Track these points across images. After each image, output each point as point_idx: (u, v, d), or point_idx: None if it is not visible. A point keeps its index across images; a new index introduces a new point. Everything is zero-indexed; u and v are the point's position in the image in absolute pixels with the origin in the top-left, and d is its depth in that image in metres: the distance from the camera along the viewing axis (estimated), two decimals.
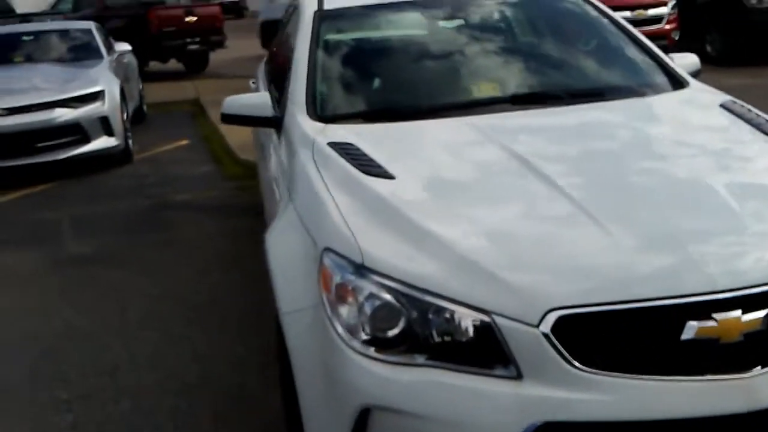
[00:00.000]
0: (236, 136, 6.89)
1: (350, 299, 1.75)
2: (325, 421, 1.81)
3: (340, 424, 1.74)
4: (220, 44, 12.98)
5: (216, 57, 13.46)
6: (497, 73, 2.86)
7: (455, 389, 1.60)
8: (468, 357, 1.62)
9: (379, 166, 2.14)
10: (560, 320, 1.55)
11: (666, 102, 2.65)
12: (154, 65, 12.32)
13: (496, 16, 3.19)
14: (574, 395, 1.53)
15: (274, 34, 14.19)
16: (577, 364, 1.54)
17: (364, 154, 2.23)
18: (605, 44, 3.02)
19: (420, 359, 1.66)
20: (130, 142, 6.88)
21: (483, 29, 3.12)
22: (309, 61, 2.88)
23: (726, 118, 2.46)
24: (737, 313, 1.55)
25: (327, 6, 3.19)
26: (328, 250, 1.85)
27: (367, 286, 1.73)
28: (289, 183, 2.39)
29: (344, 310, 1.75)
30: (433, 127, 2.47)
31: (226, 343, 3.15)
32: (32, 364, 3.12)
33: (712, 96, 2.67)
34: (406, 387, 1.64)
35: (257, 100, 2.91)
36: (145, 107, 9.03)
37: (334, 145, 2.33)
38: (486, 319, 1.60)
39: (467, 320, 1.62)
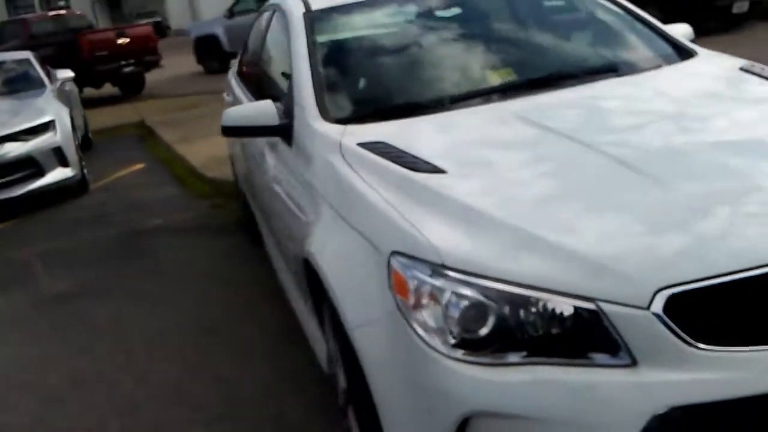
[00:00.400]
0: (198, 156, 6.68)
1: (432, 302, 1.65)
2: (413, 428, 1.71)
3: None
4: (155, 64, 12.66)
5: (151, 77, 13.10)
6: (508, 58, 2.79)
7: (567, 384, 1.52)
8: (572, 349, 1.54)
9: (426, 162, 2.05)
10: (671, 299, 1.49)
11: (687, 69, 2.65)
12: (87, 92, 11.89)
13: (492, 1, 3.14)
14: (697, 375, 1.47)
15: (209, 49, 14.13)
16: (694, 342, 1.47)
17: (403, 151, 2.13)
18: (606, 21, 3.00)
19: (516, 357, 1.57)
20: (86, 171, 6.59)
21: (481, 16, 3.07)
22: (311, 64, 2.76)
23: (754, 79, 2.46)
24: None
25: (315, 6, 3.09)
26: (396, 253, 1.74)
27: (450, 286, 1.63)
28: (318, 190, 2.26)
29: (427, 314, 1.65)
30: (461, 117, 2.39)
31: (251, 367, 2.98)
32: (39, 414, 2.90)
33: (729, 60, 2.67)
34: (511, 388, 1.55)
35: (259, 109, 2.77)
36: (90, 134, 8.70)
37: (365, 145, 2.23)
38: (590, 306, 1.52)
39: (568, 309, 1.54)
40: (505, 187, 1.90)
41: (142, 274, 4.26)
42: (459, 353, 1.61)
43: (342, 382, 2.23)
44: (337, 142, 2.33)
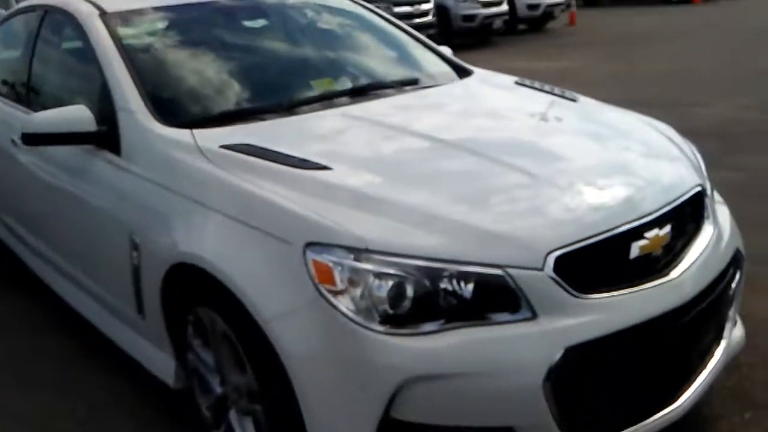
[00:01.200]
0: None
1: (357, 284, 1.79)
2: (343, 414, 1.81)
3: (366, 410, 1.77)
4: None
5: None
6: (326, 70, 3.00)
7: (482, 342, 1.76)
8: (483, 311, 1.80)
9: (304, 160, 2.15)
10: (557, 260, 1.83)
11: (475, 83, 3.09)
12: None
13: (293, 16, 3.31)
14: (582, 319, 1.81)
15: None
16: (577, 293, 1.83)
17: (276, 152, 2.21)
18: (398, 43, 3.36)
19: (436, 326, 1.78)
20: None
21: (285, 30, 3.22)
22: (128, 68, 2.66)
23: (525, 89, 3.00)
24: (662, 230, 2.01)
25: (110, 9, 2.96)
26: (311, 244, 1.84)
27: (374, 267, 1.78)
28: (183, 195, 2.22)
29: (353, 296, 1.78)
30: (312, 121, 2.54)
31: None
32: None
33: (504, 77, 3.19)
34: (436, 353, 1.75)
35: (71, 114, 2.58)
36: None
37: (231, 147, 2.26)
38: (497, 272, 1.79)
39: (477, 277, 1.79)
40: (388, 176, 2.09)
41: None
42: (387, 328, 1.76)
43: (202, 400, 2.26)
44: (192, 145, 2.32)
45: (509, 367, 1.76)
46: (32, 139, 2.59)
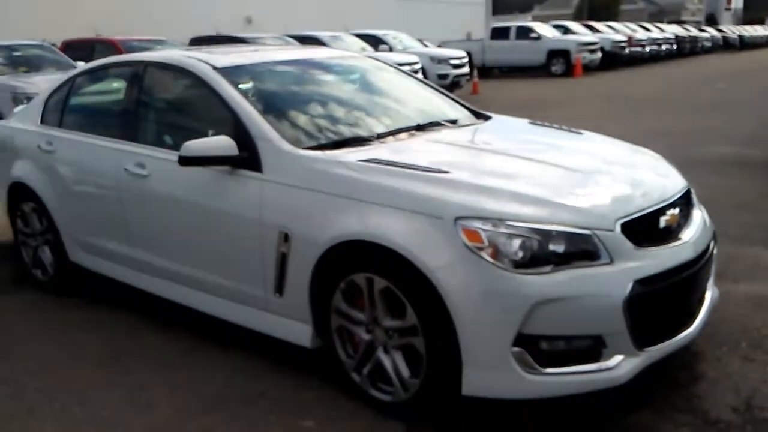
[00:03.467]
0: None
1: (497, 242, 2.65)
2: (488, 333, 2.63)
3: (506, 328, 2.61)
4: None
5: None
6: (393, 110, 3.93)
7: (586, 275, 2.66)
8: (579, 258, 2.70)
9: (427, 167, 3.01)
10: (623, 225, 2.77)
11: (500, 122, 4.08)
12: None
13: (351, 72, 4.23)
14: (641, 263, 2.74)
15: None
16: (637, 246, 2.77)
17: (401, 163, 3.05)
18: (431, 95, 4.33)
19: (549, 268, 2.66)
20: None
21: (351, 83, 4.13)
22: (253, 106, 3.45)
23: (540, 127, 4.02)
24: (675, 210, 3.02)
25: (218, 65, 3.75)
26: (460, 218, 2.70)
27: (507, 230, 2.66)
28: (336, 194, 2.99)
29: (494, 250, 2.64)
30: (409, 143, 3.42)
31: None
32: None
33: (519, 121, 4.20)
34: (554, 283, 2.62)
35: (219, 142, 3.31)
36: None
37: (367, 160, 3.09)
38: (588, 232, 2.70)
39: (574, 237, 2.70)
40: (490, 175, 2.98)
41: None
42: (518, 270, 2.63)
43: (345, 349, 3.01)
44: (332, 161, 3.13)
45: (600, 293, 2.66)
46: (188, 161, 3.30)
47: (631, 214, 2.84)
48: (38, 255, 4.72)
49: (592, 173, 3.13)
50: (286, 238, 3.14)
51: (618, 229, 2.76)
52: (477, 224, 2.68)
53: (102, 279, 4.39)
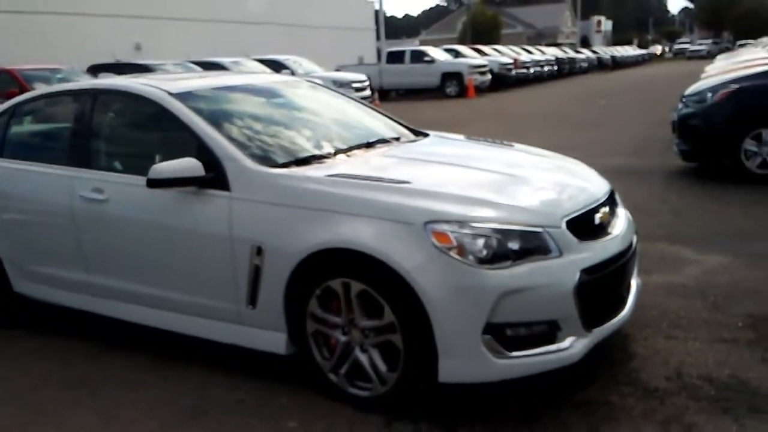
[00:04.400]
0: None
1: (463, 242, 2.96)
2: (461, 325, 2.93)
3: (477, 318, 2.92)
4: None
5: None
6: (342, 130, 4.19)
7: (541, 268, 3.01)
8: (534, 252, 3.05)
9: (392, 179, 3.30)
10: (567, 222, 3.15)
11: (439, 138, 4.42)
12: None
13: (298, 94, 4.47)
14: (583, 255, 3.13)
15: None
16: (579, 240, 3.15)
17: (370, 176, 3.33)
18: (373, 114, 4.62)
19: (509, 263, 2.99)
20: None
21: (299, 105, 4.37)
22: (215, 128, 3.63)
23: (476, 142, 4.39)
24: (605, 208, 3.44)
25: (173, 90, 3.90)
26: (429, 222, 2.99)
27: (471, 231, 2.97)
28: (309, 207, 3.21)
29: (460, 249, 2.95)
30: (365, 158, 3.70)
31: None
32: None
33: (455, 136, 4.56)
34: (513, 276, 2.96)
35: (185, 164, 3.46)
36: None
37: (334, 175, 3.34)
38: (540, 230, 3.06)
39: (528, 234, 3.05)
40: (446, 183, 3.29)
41: None
42: (483, 266, 2.95)
43: (321, 352, 3.24)
44: (301, 176, 3.37)
45: (553, 282, 3.02)
46: (156, 183, 3.44)
47: (573, 213, 3.23)
48: None
49: (533, 179, 3.51)
50: (258, 251, 3.33)
51: (564, 226, 3.14)
52: (445, 227, 2.98)
53: (45, 309, 4.39)
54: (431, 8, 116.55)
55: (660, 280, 4.59)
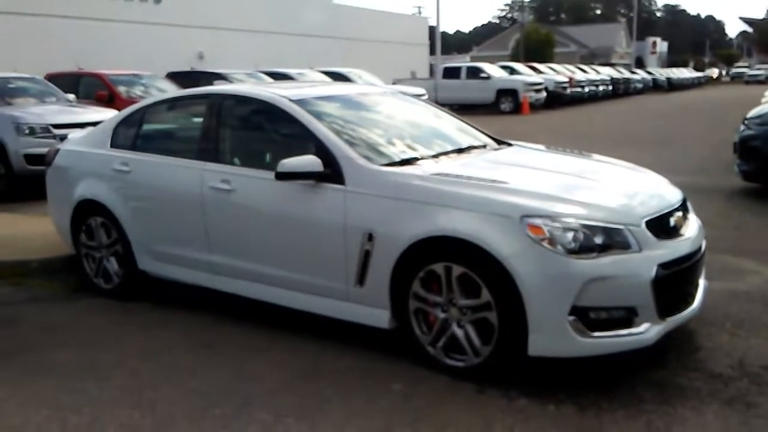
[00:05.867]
0: None
1: (555, 234, 3.42)
2: (550, 306, 3.38)
3: (564, 301, 3.36)
4: None
5: None
6: (436, 136, 4.70)
7: (622, 260, 3.44)
8: (617, 246, 3.48)
9: (489, 179, 3.78)
10: (647, 222, 3.58)
11: (523, 147, 4.88)
12: None
13: (402, 103, 5.00)
14: (661, 252, 3.56)
15: None
16: (657, 239, 3.58)
17: (470, 175, 3.82)
18: (459, 124, 5.13)
19: (594, 255, 3.43)
20: None
21: (400, 113, 4.89)
22: (328, 129, 4.17)
23: (556, 151, 4.84)
24: (679, 213, 3.86)
25: (293, 97, 4.46)
26: (525, 216, 3.46)
27: (561, 225, 3.43)
28: (418, 200, 3.71)
29: (552, 240, 3.41)
30: (463, 161, 4.20)
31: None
32: None
33: (536, 146, 5.02)
34: (598, 266, 3.40)
35: (307, 161, 4.01)
36: None
37: (439, 174, 3.84)
38: (621, 227, 3.50)
39: (612, 231, 3.49)
40: (539, 185, 3.76)
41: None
42: (572, 256, 3.40)
43: (422, 327, 3.71)
44: (410, 174, 3.88)
45: (633, 273, 3.45)
46: (283, 176, 3.99)
47: (652, 214, 3.66)
48: (102, 265, 5.25)
49: (615, 184, 3.96)
50: (370, 237, 3.84)
51: (643, 225, 3.57)
52: (539, 221, 3.45)
53: (162, 285, 4.99)
54: (483, 25, 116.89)
55: (723, 287, 4.95)
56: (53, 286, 5.61)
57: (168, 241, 4.84)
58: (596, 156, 4.82)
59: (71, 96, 11.19)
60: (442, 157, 4.30)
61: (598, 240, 3.46)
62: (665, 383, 3.57)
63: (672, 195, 4.05)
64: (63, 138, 9.19)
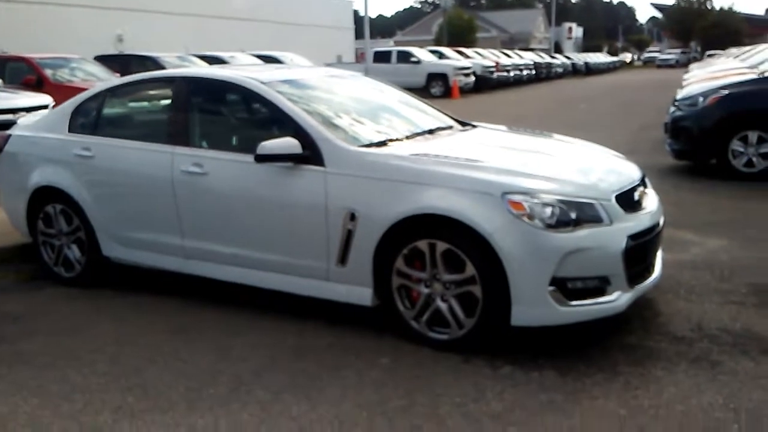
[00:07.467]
0: None
1: (534, 209, 3.59)
2: (532, 278, 3.56)
3: (544, 273, 3.55)
4: None
5: None
6: (406, 118, 4.80)
7: (596, 233, 3.64)
8: (591, 220, 3.68)
9: (467, 158, 3.92)
10: (616, 197, 3.80)
11: (487, 128, 5.04)
12: None
13: (371, 88, 5.07)
14: (629, 223, 3.78)
15: None
16: (624, 211, 3.80)
17: (447, 154, 3.95)
18: (423, 107, 5.24)
19: (570, 228, 3.62)
20: None
21: (372, 95, 4.98)
22: (304, 112, 4.22)
23: (519, 131, 5.03)
24: (641, 188, 4.11)
25: (265, 80, 4.48)
26: (506, 193, 3.62)
27: (539, 200, 3.60)
28: (396, 180, 3.82)
29: (531, 215, 3.58)
30: (435, 141, 4.32)
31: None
32: None
33: (499, 127, 5.19)
34: (575, 238, 3.59)
35: (287, 143, 4.04)
36: None
37: (418, 154, 3.96)
38: (593, 202, 3.71)
39: (585, 205, 3.69)
40: (515, 163, 3.92)
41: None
42: (551, 230, 3.58)
43: (404, 303, 3.84)
44: (388, 155, 3.97)
45: (606, 245, 3.67)
46: (263, 158, 4.02)
47: (620, 189, 3.89)
48: (63, 253, 5.14)
49: (583, 161, 4.17)
50: (352, 217, 3.92)
51: (613, 199, 3.79)
52: (519, 197, 3.61)
53: (124, 271, 4.94)
54: (405, 9, 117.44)
55: (672, 258, 5.26)
56: (7, 275, 5.45)
57: (136, 227, 4.78)
58: (557, 135, 5.03)
59: None
60: (415, 138, 4.41)
61: (573, 214, 3.65)
62: (634, 346, 3.82)
63: (633, 171, 4.30)
64: None
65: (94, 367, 3.77)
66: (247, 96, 4.43)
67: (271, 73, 4.78)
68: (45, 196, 5.12)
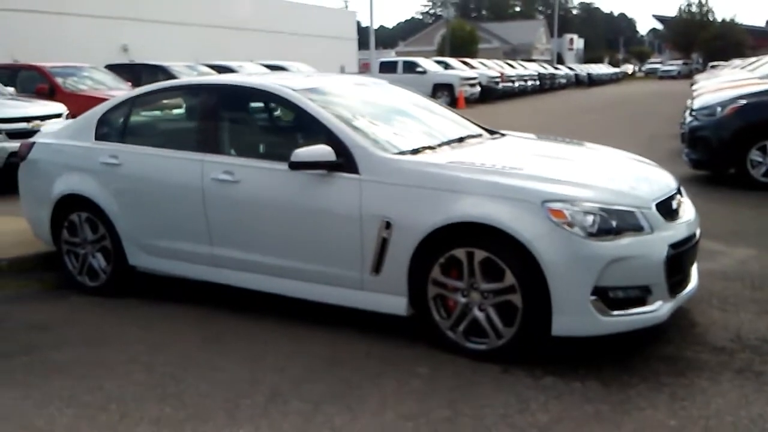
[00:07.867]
0: None
1: (575, 218, 3.55)
2: (573, 287, 3.51)
3: (587, 282, 3.50)
4: None
5: None
6: (436, 126, 4.77)
7: (639, 241, 3.60)
8: (632, 229, 3.64)
9: (505, 166, 3.88)
10: (656, 205, 3.77)
11: (516, 137, 5.00)
12: None
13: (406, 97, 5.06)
14: (669, 232, 3.75)
15: None
16: (666, 220, 3.76)
17: (483, 162, 3.91)
18: (453, 117, 5.21)
19: (612, 236, 3.58)
20: None
21: (403, 105, 4.96)
22: (334, 117, 4.19)
23: (549, 140, 5.00)
24: (679, 197, 4.07)
25: (297, 87, 4.45)
26: (546, 201, 3.58)
27: (581, 208, 3.57)
28: (434, 187, 3.78)
29: (572, 224, 3.54)
30: (468, 149, 4.29)
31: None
32: None
33: (529, 135, 5.15)
34: (617, 246, 3.55)
35: (320, 150, 4.00)
36: None
37: (455, 162, 3.92)
38: (634, 210, 3.67)
39: (626, 213, 3.64)
40: (552, 171, 3.88)
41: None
42: (593, 238, 3.54)
43: (440, 312, 3.79)
44: (426, 162, 3.94)
45: (648, 253, 3.63)
46: (297, 165, 3.99)
47: (660, 198, 3.85)
48: (88, 262, 5.09)
49: (620, 170, 4.14)
50: (387, 225, 3.88)
51: (653, 207, 3.75)
52: (560, 205, 3.57)
53: (148, 281, 4.90)
54: (407, 20, 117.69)
55: (701, 267, 5.20)
56: (30, 285, 5.41)
57: (163, 235, 4.74)
58: (588, 143, 5.00)
59: (10, 89, 10.71)
60: (447, 147, 4.38)
61: (613, 222, 3.61)
62: (674, 357, 3.77)
63: (669, 179, 4.26)
64: (9, 133, 8.90)
65: (128, 378, 3.72)
66: (278, 103, 4.41)
67: (300, 80, 4.75)
68: (70, 205, 5.08)
